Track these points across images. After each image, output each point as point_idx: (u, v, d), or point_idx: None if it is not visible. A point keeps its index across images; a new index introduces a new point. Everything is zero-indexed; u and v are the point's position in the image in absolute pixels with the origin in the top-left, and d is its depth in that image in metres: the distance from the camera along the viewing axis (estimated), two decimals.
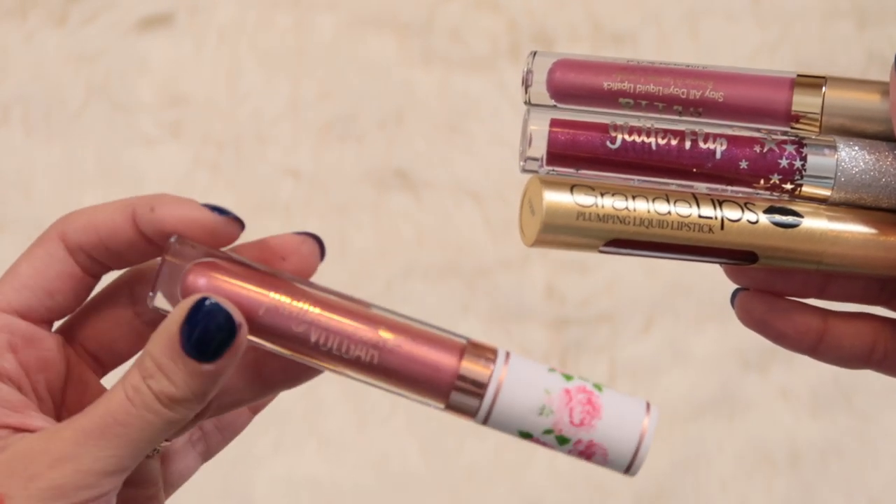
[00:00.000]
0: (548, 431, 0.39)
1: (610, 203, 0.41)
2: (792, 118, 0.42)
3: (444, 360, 0.39)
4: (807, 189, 0.42)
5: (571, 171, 0.41)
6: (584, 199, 0.40)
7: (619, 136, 0.41)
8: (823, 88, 0.42)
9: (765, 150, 0.41)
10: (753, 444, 0.94)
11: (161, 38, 0.98)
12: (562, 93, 0.43)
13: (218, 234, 0.40)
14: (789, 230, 0.41)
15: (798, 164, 0.41)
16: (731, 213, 0.41)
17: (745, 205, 0.41)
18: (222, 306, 0.37)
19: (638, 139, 0.41)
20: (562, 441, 0.39)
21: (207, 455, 0.45)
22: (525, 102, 0.43)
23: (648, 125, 0.41)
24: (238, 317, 0.37)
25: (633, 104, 0.42)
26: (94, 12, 0.98)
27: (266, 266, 0.40)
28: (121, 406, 0.37)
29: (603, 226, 0.41)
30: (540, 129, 0.41)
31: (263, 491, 0.91)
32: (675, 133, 0.41)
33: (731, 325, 0.95)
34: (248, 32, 0.98)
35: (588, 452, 0.39)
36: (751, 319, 0.44)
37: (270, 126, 0.97)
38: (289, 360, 0.40)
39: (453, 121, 0.97)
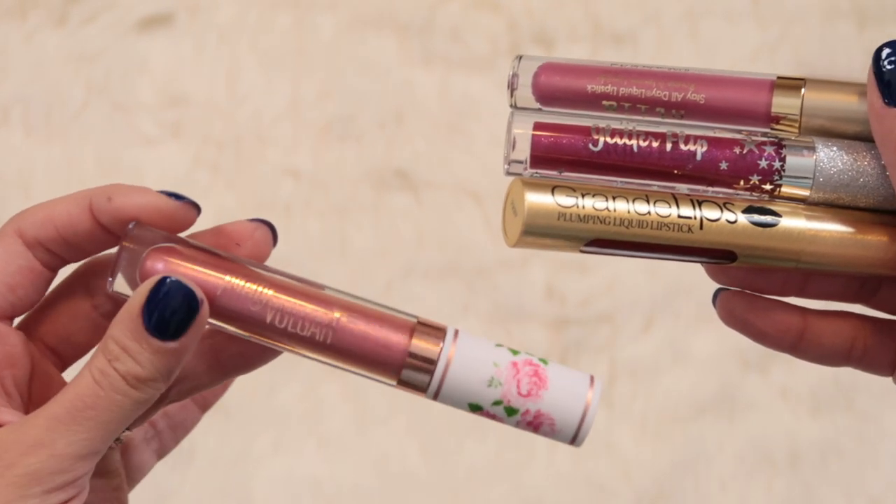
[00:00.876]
0: (497, 402, 0.40)
1: (591, 203, 0.41)
2: (772, 119, 0.42)
3: (394, 338, 0.40)
4: (786, 189, 0.42)
5: (555, 173, 0.42)
6: (564, 200, 0.41)
7: (602, 139, 0.42)
8: (802, 90, 0.42)
9: (744, 151, 0.42)
10: (753, 444, 0.94)
11: (161, 38, 0.98)
12: (547, 96, 0.43)
13: (175, 219, 0.40)
14: (768, 229, 0.42)
15: (777, 164, 0.42)
16: (710, 213, 0.42)
17: (724, 205, 0.42)
18: (183, 283, 0.38)
19: (620, 142, 0.42)
20: (510, 412, 0.40)
21: (161, 453, 0.45)
22: (511, 106, 0.43)
23: (630, 127, 0.42)
24: (199, 293, 0.38)
25: (616, 107, 0.43)
26: (94, 12, 0.98)
27: (222, 251, 0.41)
28: (89, 389, 0.38)
29: (584, 226, 0.41)
30: (523, 132, 0.42)
31: (263, 491, 0.91)
32: (656, 135, 0.42)
33: None
34: (248, 32, 0.98)
35: (535, 423, 0.40)
36: (732, 318, 0.45)
37: (270, 126, 0.97)
38: (245, 344, 0.41)
39: (453, 121, 0.97)
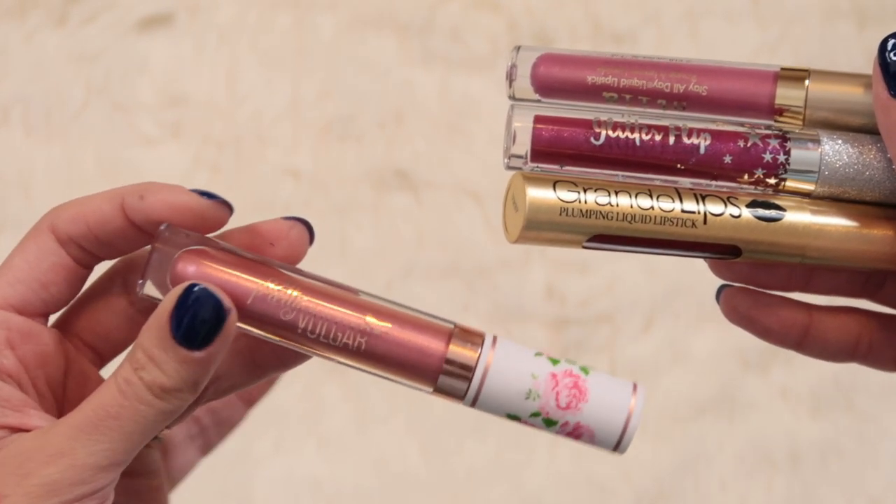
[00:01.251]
0: (535, 414, 0.40)
1: (593, 198, 0.41)
2: (776, 111, 0.42)
3: (431, 344, 0.39)
4: (791, 183, 0.42)
5: (556, 167, 0.41)
6: (566, 195, 0.41)
7: (603, 133, 0.41)
8: (807, 82, 0.42)
9: (748, 144, 0.41)
10: (753, 444, 0.94)
11: (161, 38, 0.98)
12: (546, 87, 0.43)
13: (207, 219, 0.40)
14: (772, 224, 0.41)
15: (782, 158, 0.41)
16: (714, 207, 0.41)
17: (728, 199, 0.41)
18: (211, 292, 0.37)
19: (622, 135, 0.41)
20: (549, 423, 0.40)
21: (206, 449, 0.45)
22: (510, 97, 0.43)
23: (632, 121, 0.41)
24: (227, 302, 0.37)
25: (616, 98, 0.42)
26: (94, 12, 0.98)
27: (255, 254, 0.40)
28: (113, 399, 0.37)
29: (586, 221, 0.41)
30: (524, 125, 0.41)
31: (263, 491, 0.91)
32: (658, 128, 0.41)
33: (731, 325, 0.96)
34: (248, 32, 0.98)
35: (576, 433, 0.40)
36: (735, 315, 0.44)
37: (270, 126, 0.97)
38: (279, 345, 0.40)
39: (453, 121, 0.97)
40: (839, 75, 0.42)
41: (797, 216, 0.41)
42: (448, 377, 0.39)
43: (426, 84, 0.97)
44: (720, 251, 0.42)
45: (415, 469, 0.92)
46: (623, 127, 0.41)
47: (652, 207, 0.41)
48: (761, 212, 0.41)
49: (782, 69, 0.42)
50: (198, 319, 0.37)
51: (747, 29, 0.99)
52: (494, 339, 0.40)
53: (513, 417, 0.40)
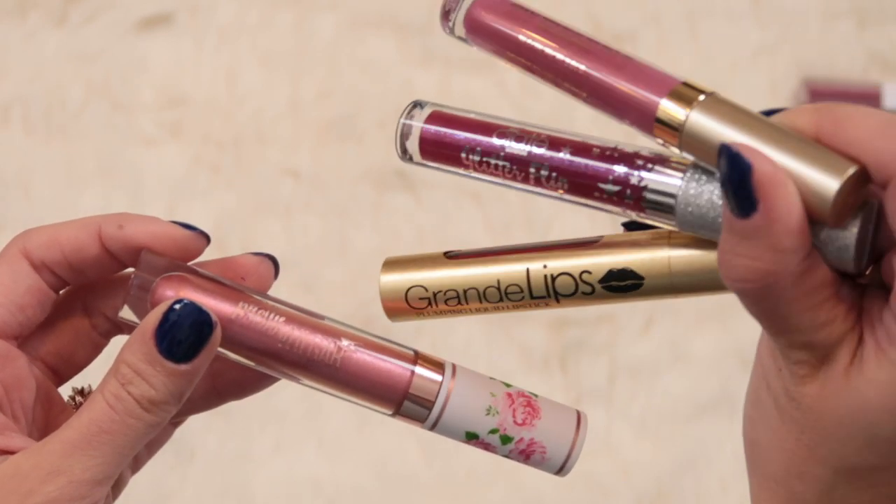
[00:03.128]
0: (493, 431, 0.41)
1: (443, 300, 0.42)
2: (654, 126, 0.39)
3: (397, 371, 0.41)
4: (650, 214, 0.39)
5: (440, 165, 0.42)
6: (418, 304, 0.42)
7: (471, 165, 0.42)
8: (694, 104, 0.38)
9: (610, 165, 0.40)
10: None
11: (161, 38, 0.98)
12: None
13: (186, 248, 0.41)
14: (630, 290, 0.40)
15: (642, 184, 0.39)
16: (565, 286, 0.41)
17: (580, 275, 0.40)
18: (196, 306, 0.38)
19: (486, 172, 0.41)
20: (505, 440, 0.41)
21: (136, 468, 0.45)
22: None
23: (498, 146, 0.42)
24: (213, 315, 0.38)
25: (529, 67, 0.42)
26: (94, 12, 0.98)
27: (231, 281, 0.41)
28: (104, 414, 0.38)
29: (442, 317, 0.42)
30: (417, 121, 0.43)
31: (263, 491, 0.91)
32: (519, 165, 0.41)
33: (731, 325, 0.96)
34: (248, 32, 0.98)
35: (528, 451, 0.41)
36: None
37: (270, 126, 0.97)
38: (243, 371, 0.42)
39: None
40: (732, 108, 0.37)
41: (656, 278, 0.40)
42: (412, 403, 0.41)
43: (426, 84, 0.97)
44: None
45: (415, 469, 0.92)
46: (488, 163, 0.41)
47: (501, 300, 0.41)
48: (615, 283, 0.40)
49: (683, 83, 0.38)
50: (183, 333, 0.38)
51: (747, 29, 0.99)
52: (454, 367, 0.42)
53: (471, 437, 0.41)
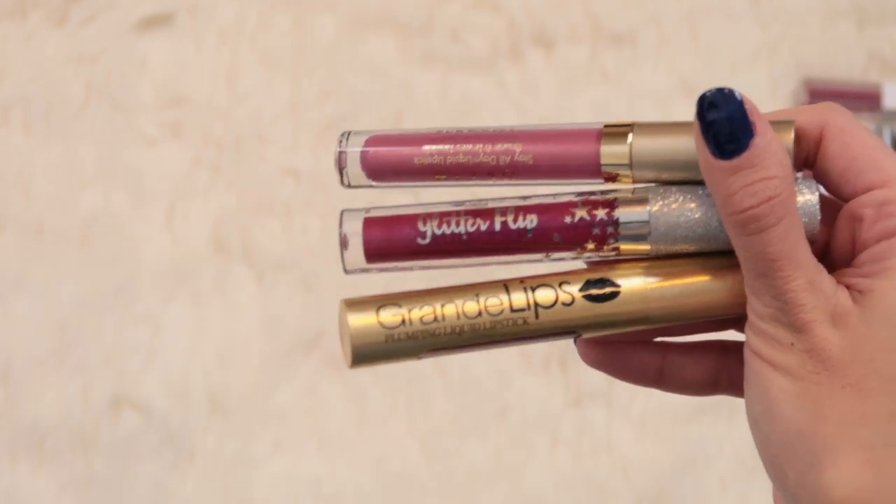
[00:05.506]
0: None
1: (418, 317, 0.40)
2: (603, 174, 0.41)
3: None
4: (625, 247, 0.40)
5: (392, 264, 0.42)
6: (391, 321, 0.41)
7: (430, 230, 0.41)
8: (629, 137, 0.40)
9: (576, 219, 0.40)
10: (753, 444, 0.93)
11: (161, 38, 0.98)
12: (376, 172, 0.43)
13: None
14: (608, 301, 0.40)
15: (611, 228, 0.40)
16: (545, 297, 0.41)
17: (559, 285, 0.41)
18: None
19: (448, 230, 0.41)
20: None
21: None
22: (343, 184, 0.43)
23: (458, 207, 0.41)
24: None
25: (446, 178, 0.42)
26: (94, 12, 0.98)
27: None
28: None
29: (415, 343, 0.41)
30: (353, 231, 0.42)
31: (263, 491, 0.91)
32: (484, 215, 0.41)
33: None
34: (248, 32, 0.98)
35: None
36: (590, 361, 0.44)
37: (270, 126, 0.97)
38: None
39: (453, 121, 0.97)
40: (664, 126, 0.40)
41: (633, 286, 0.40)
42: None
43: (426, 84, 0.97)
44: (559, 335, 0.41)
45: (415, 469, 0.92)
46: (448, 220, 0.41)
47: (480, 314, 0.41)
48: (595, 292, 0.40)
49: (605, 126, 0.41)
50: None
51: (747, 29, 0.99)
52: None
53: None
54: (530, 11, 0.98)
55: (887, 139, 0.95)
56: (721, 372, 0.44)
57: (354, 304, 0.41)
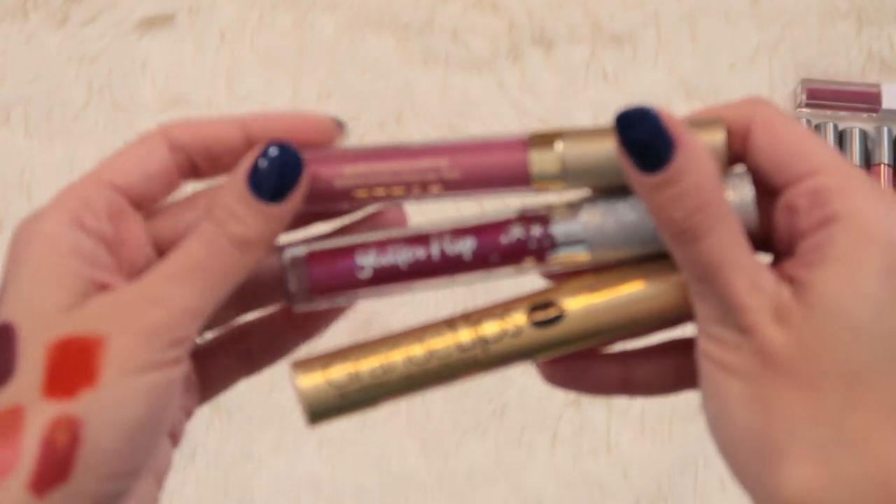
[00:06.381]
0: None
1: (367, 370, 0.40)
2: (535, 183, 0.40)
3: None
4: (565, 260, 0.40)
5: (339, 297, 0.42)
6: (339, 380, 0.40)
7: (368, 265, 0.41)
8: (557, 145, 0.39)
9: (511, 238, 0.40)
10: None
11: (162, 38, 0.98)
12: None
13: (326, 133, 0.43)
14: (556, 324, 0.40)
15: (547, 242, 0.40)
16: (491, 330, 0.40)
17: (504, 316, 0.40)
18: (286, 147, 0.40)
19: (385, 261, 0.41)
20: None
21: (188, 411, 0.46)
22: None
23: (395, 235, 0.41)
24: (301, 155, 0.40)
25: (369, 197, 0.41)
26: (94, 13, 0.98)
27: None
28: (198, 252, 0.39)
29: (367, 395, 0.40)
30: (297, 269, 0.42)
31: (263, 491, 0.91)
32: (420, 240, 0.41)
33: None
34: (248, 32, 0.98)
35: None
36: (555, 382, 0.44)
37: None
38: (320, 313, 0.43)
39: (453, 121, 0.97)
40: (593, 132, 0.39)
41: (579, 303, 0.40)
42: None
43: (426, 84, 0.97)
44: (515, 362, 0.41)
45: (415, 469, 0.92)
46: (385, 250, 0.41)
47: (428, 360, 0.40)
48: (541, 317, 0.40)
49: (531, 135, 0.40)
50: (273, 174, 0.39)
51: (747, 29, 0.99)
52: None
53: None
54: (530, 11, 0.98)
55: (887, 139, 0.95)
56: (684, 370, 0.44)
57: (301, 366, 0.41)
